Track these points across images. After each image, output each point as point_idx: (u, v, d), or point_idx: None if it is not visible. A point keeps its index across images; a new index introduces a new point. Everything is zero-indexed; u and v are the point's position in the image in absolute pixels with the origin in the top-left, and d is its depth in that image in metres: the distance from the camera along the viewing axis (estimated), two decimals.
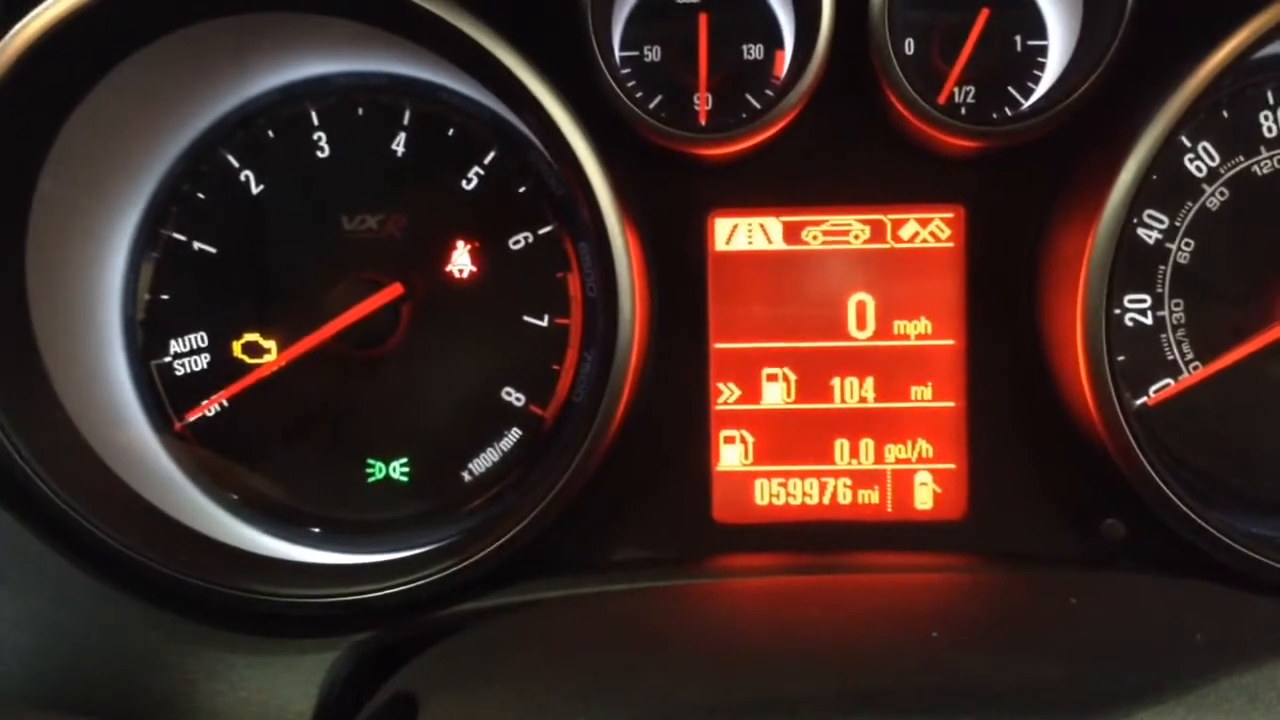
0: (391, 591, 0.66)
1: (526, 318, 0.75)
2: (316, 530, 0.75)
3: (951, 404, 0.74)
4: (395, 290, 0.73)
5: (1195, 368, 0.72)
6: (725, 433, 0.75)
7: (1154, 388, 0.73)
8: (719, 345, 0.75)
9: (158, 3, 0.63)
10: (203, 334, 0.75)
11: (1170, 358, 0.73)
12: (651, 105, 0.71)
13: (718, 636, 0.52)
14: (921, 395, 0.74)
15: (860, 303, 0.75)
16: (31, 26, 0.61)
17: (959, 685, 0.40)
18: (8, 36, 0.61)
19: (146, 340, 0.75)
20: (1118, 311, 0.72)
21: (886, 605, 0.57)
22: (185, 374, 0.75)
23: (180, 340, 0.75)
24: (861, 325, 0.75)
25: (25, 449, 0.63)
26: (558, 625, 0.56)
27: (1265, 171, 0.73)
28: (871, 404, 0.74)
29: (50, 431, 0.66)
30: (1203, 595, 0.60)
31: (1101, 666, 0.41)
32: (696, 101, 0.73)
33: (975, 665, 0.42)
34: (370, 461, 0.76)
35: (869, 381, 0.75)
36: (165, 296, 0.75)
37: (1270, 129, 0.72)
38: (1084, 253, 0.65)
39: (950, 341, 0.74)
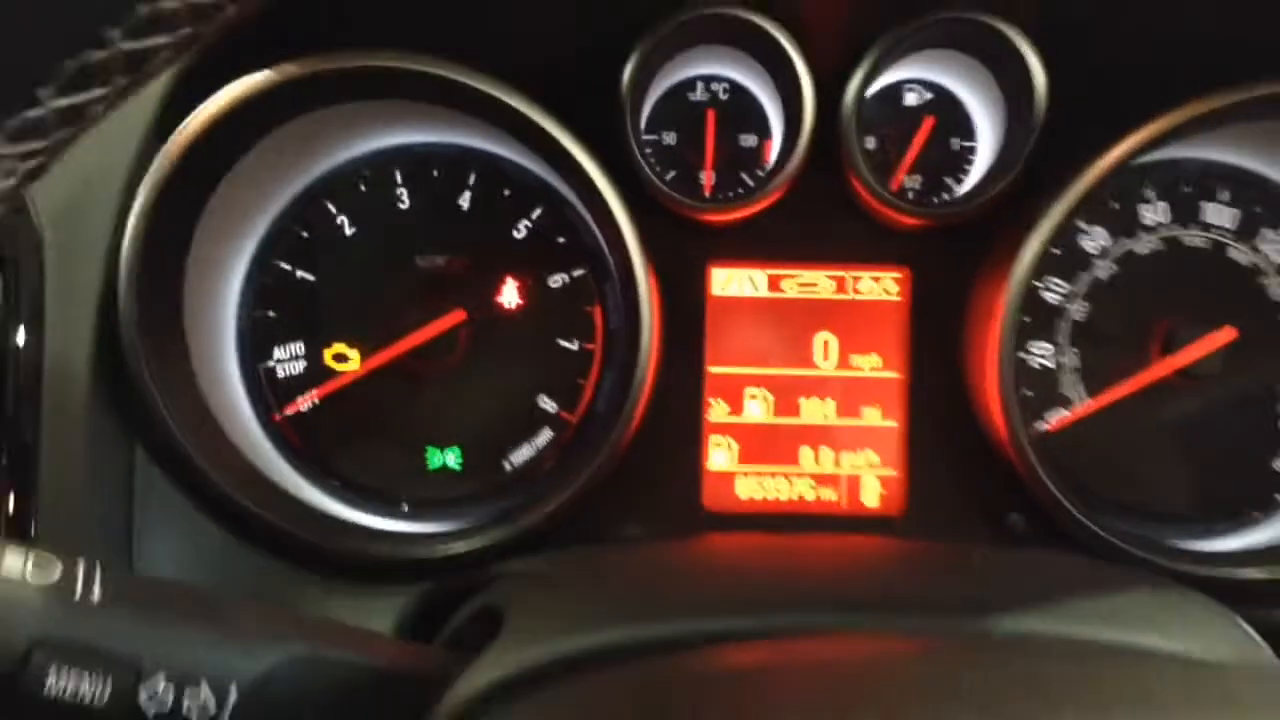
0: (451, 552, 0.84)
1: (560, 341, 0.93)
2: (404, 508, 0.93)
3: (895, 424, 0.93)
4: (458, 316, 0.91)
5: (1086, 402, 0.92)
6: (714, 439, 0.93)
7: (1053, 416, 0.92)
8: (712, 369, 0.93)
9: (309, 89, 0.82)
10: (300, 344, 0.93)
11: (1067, 393, 0.92)
12: (668, 178, 0.90)
13: (721, 563, 0.71)
14: (871, 416, 0.93)
15: (825, 340, 0.93)
16: (209, 109, 0.80)
17: (873, 592, 0.59)
18: (191, 116, 0.80)
19: (255, 348, 0.93)
20: (1024, 355, 0.92)
21: (833, 550, 0.76)
22: (285, 376, 0.93)
23: (282, 348, 0.93)
24: (826, 358, 0.93)
25: (179, 427, 0.81)
26: (603, 561, 0.75)
27: (1145, 251, 0.92)
28: (832, 420, 0.93)
29: (196, 416, 0.83)
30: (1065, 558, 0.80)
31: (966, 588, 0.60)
32: (703, 178, 0.93)
33: (887, 582, 0.62)
34: (429, 449, 0.94)
35: (830, 403, 0.93)
36: (271, 313, 0.93)
37: (1148, 218, 0.92)
38: (998, 309, 0.85)
39: (896, 374, 0.93)
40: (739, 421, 0.93)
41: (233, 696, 0.54)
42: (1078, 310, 0.92)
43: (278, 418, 0.93)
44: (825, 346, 0.93)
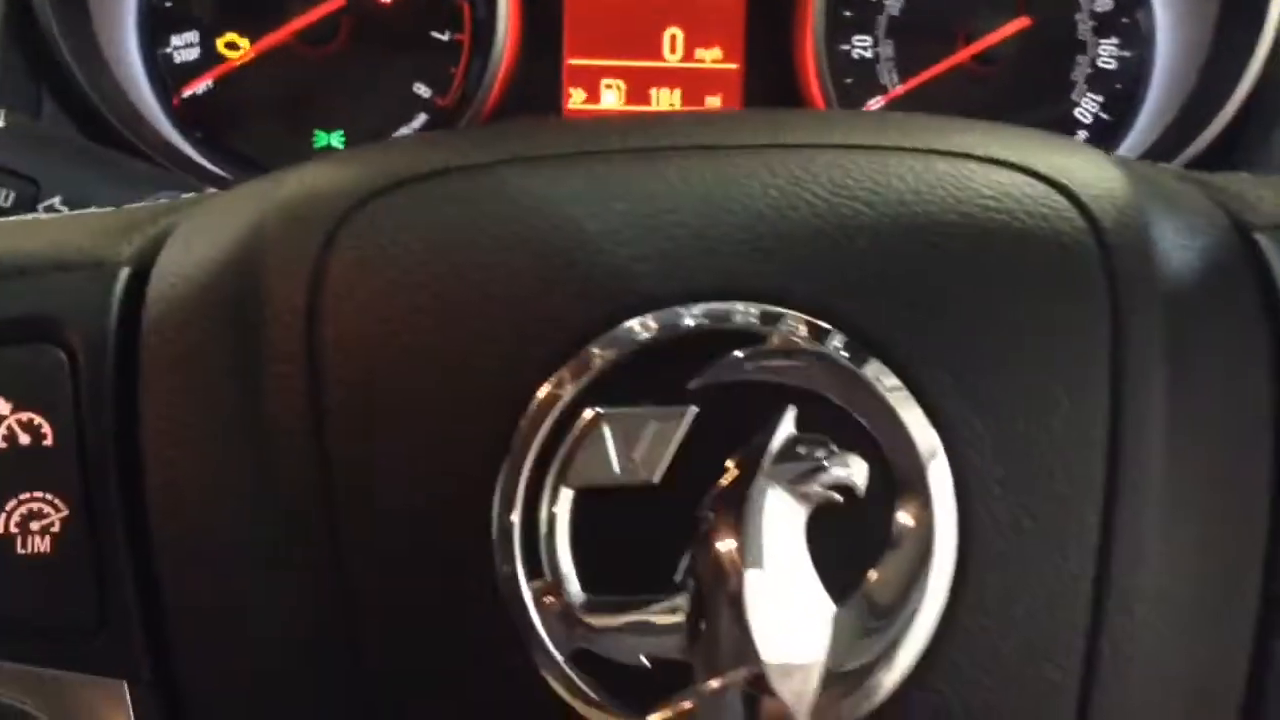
0: None
1: (433, 33, 1.03)
2: None
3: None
4: (337, 3, 1.01)
5: (898, 87, 1.04)
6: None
7: (871, 102, 1.04)
8: (571, 61, 1.04)
9: None
10: (195, 33, 1.02)
11: (883, 81, 1.04)
12: None
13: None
14: (712, 104, 1.05)
15: (673, 34, 1.04)
16: None
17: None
18: None
19: (152, 34, 1.02)
20: (847, 47, 1.03)
21: None
22: (181, 62, 1.03)
23: (179, 36, 1.02)
24: (673, 50, 1.05)
25: (90, 87, 0.90)
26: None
27: None
28: (678, 108, 1.05)
29: (109, 86, 0.93)
30: None
31: None
32: None
33: None
34: (316, 133, 1.04)
35: (677, 92, 1.05)
36: (168, 3, 1.02)
37: None
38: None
39: (734, 65, 1.05)
40: (595, 108, 1.05)
41: None
42: (893, 6, 1.03)
43: (176, 101, 1.02)
44: (673, 40, 1.04)
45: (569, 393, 0.40)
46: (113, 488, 0.41)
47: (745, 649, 0.39)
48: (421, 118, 1.04)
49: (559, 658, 0.39)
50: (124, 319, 0.44)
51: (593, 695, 0.39)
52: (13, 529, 0.41)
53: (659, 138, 0.46)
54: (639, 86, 1.04)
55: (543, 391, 0.40)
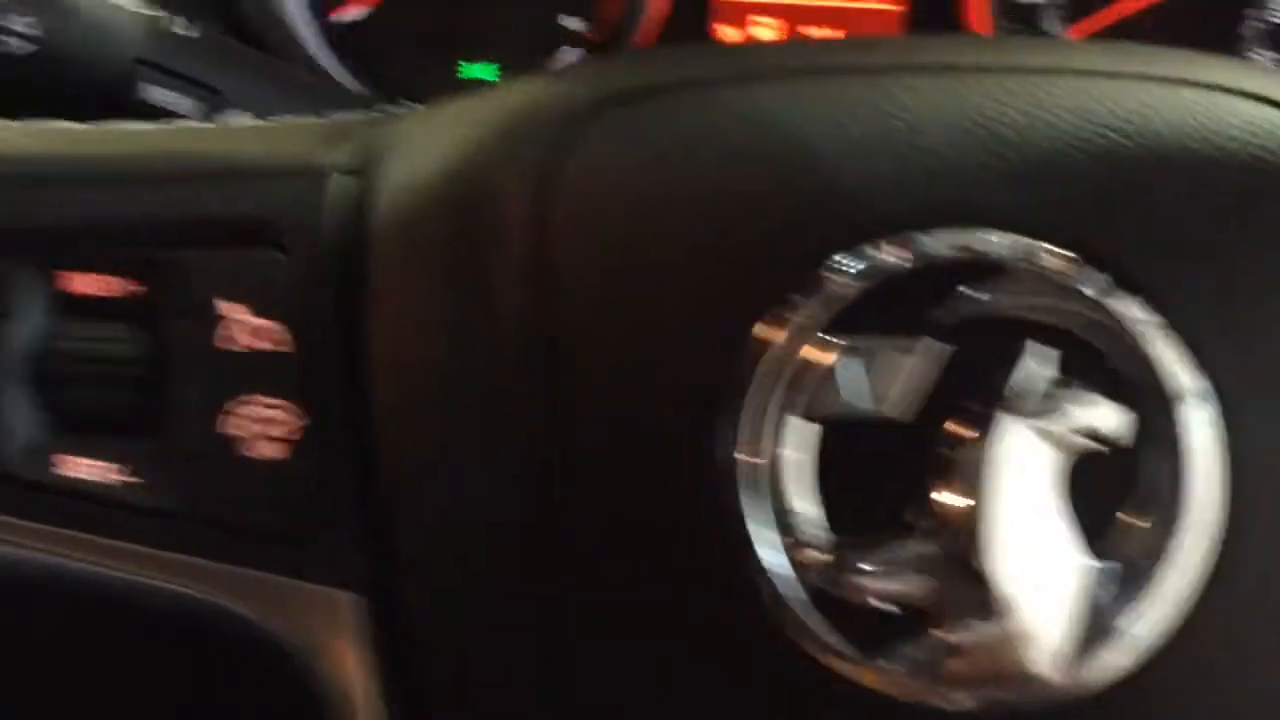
0: None
1: None
2: None
3: None
4: None
5: (1068, 30, 1.00)
6: None
7: None
8: None
9: None
10: None
11: (1047, 30, 1.00)
12: None
13: None
14: None
15: None
16: None
17: None
18: None
19: None
20: None
21: None
22: None
23: None
24: None
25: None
26: None
27: None
28: None
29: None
30: None
31: None
32: None
33: None
34: (460, 64, 1.04)
35: (832, 32, 1.02)
36: None
37: None
38: None
39: (898, 6, 1.01)
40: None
41: None
42: None
43: (328, 26, 1.02)
44: None
45: (806, 319, 0.38)
46: (342, 395, 0.41)
47: (989, 599, 0.37)
48: (569, 51, 1.03)
49: (791, 596, 0.37)
50: (343, 226, 0.43)
51: (824, 637, 0.37)
52: (237, 430, 0.41)
53: (889, 56, 0.44)
54: (791, 24, 1.02)
55: (779, 317, 0.38)
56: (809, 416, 0.38)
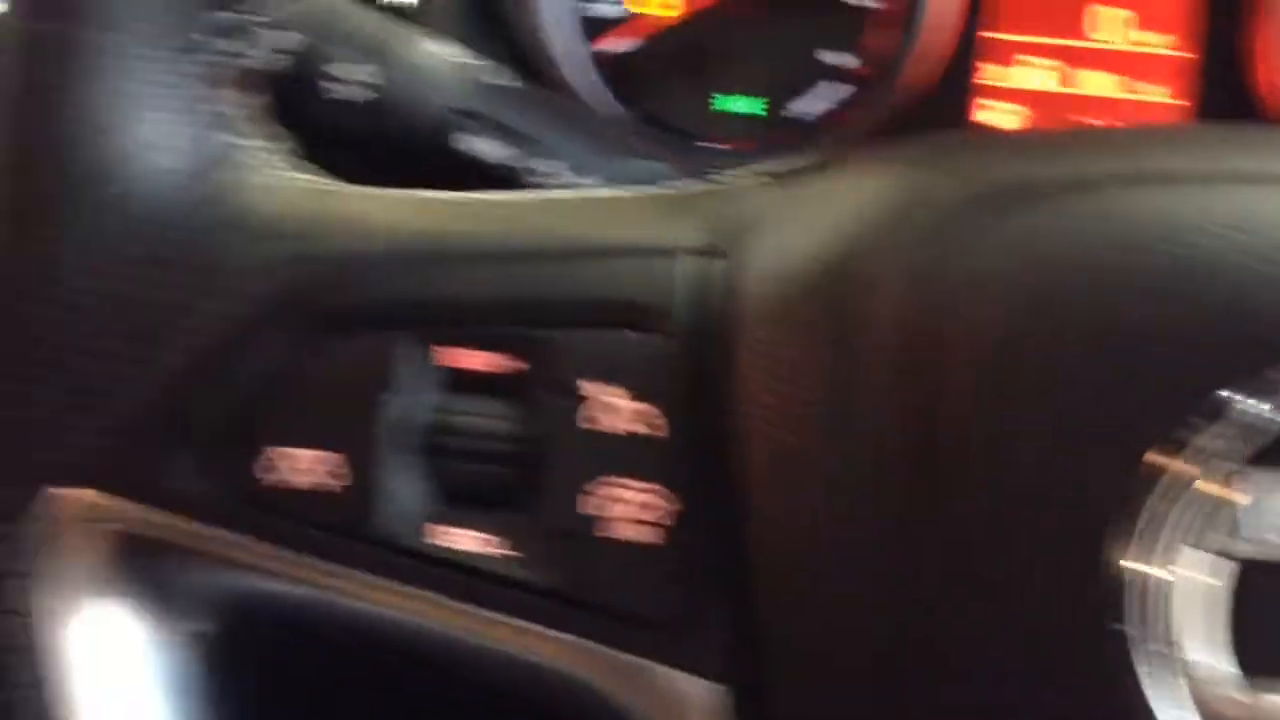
0: None
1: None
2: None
3: (1185, 103, 0.96)
4: None
5: None
6: (980, 101, 1.00)
7: None
8: (982, 34, 0.99)
9: None
10: None
11: None
12: None
13: None
14: (1151, 93, 0.97)
15: (1111, 13, 0.97)
16: None
17: None
18: None
19: None
20: None
21: None
22: (599, 16, 1.03)
23: None
24: (1107, 29, 0.97)
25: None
26: None
27: None
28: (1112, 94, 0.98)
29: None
30: None
31: None
32: None
33: None
34: (714, 95, 1.04)
35: (1110, 76, 0.98)
36: None
37: None
38: None
39: (1189, 54, 0.95)
40: (1012, 87, 0.99)
41: None
42: None
43: (597, 55, 1.03)
44: (1110, 18, 0.97)
45: (1214, 446, 0.37)
46: (715, 482, 0.41)
47: None
48: (834, 86, 1.02)
49: None
50: (696, 308, 0.43)
51: None
52: (605, 512, 0.42)
53: None
54: (1065, 65, 0.98)
55: (1182, 442, 0.37)
56: (1213, 549, 0.37)
